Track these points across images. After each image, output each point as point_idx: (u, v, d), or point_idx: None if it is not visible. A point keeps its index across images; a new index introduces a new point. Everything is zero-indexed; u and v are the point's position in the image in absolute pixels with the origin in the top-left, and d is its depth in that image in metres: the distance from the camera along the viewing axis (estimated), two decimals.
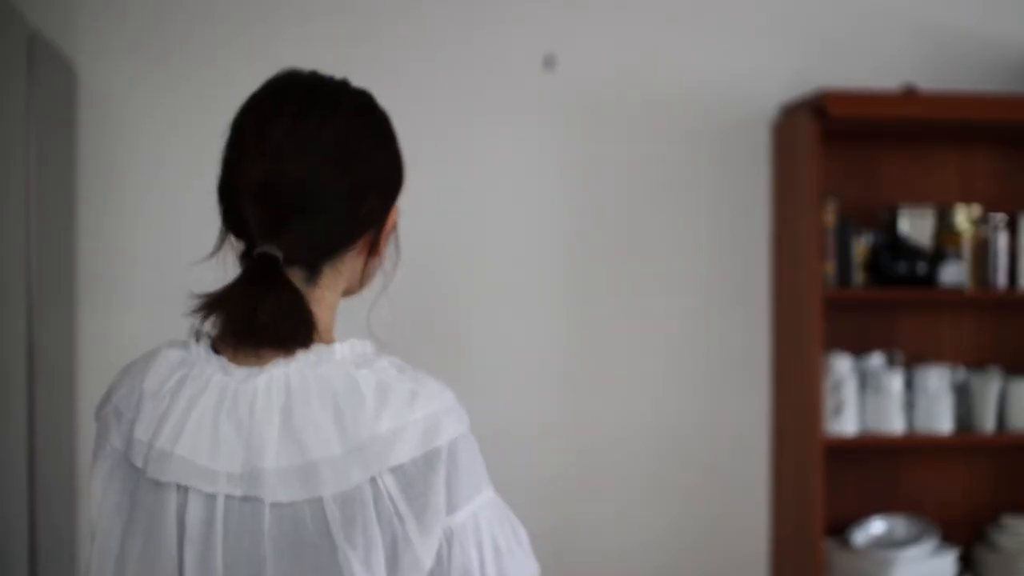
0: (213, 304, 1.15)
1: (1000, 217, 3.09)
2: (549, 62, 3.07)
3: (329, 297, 1.21)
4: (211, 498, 1.11)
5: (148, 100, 2.92)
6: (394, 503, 1.11)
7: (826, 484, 2.92)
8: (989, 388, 3.05)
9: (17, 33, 2.37)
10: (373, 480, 1.10)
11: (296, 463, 1.10)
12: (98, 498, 1.18)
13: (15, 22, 2.36)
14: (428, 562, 1.12)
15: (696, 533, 3.12)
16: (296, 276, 1.17)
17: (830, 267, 2.97)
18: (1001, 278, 3.06)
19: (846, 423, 2.99)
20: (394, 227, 1.27)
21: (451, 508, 1.13)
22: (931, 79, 3.12)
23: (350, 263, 1.22)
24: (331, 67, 3.26)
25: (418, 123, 2.97)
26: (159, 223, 2.93)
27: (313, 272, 1.19)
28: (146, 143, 2.92)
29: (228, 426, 1.12)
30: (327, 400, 1.12)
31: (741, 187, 3.15)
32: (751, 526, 3.15)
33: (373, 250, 1.23)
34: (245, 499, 1.10)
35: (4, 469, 2.25)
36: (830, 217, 2.97)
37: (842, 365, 3.01)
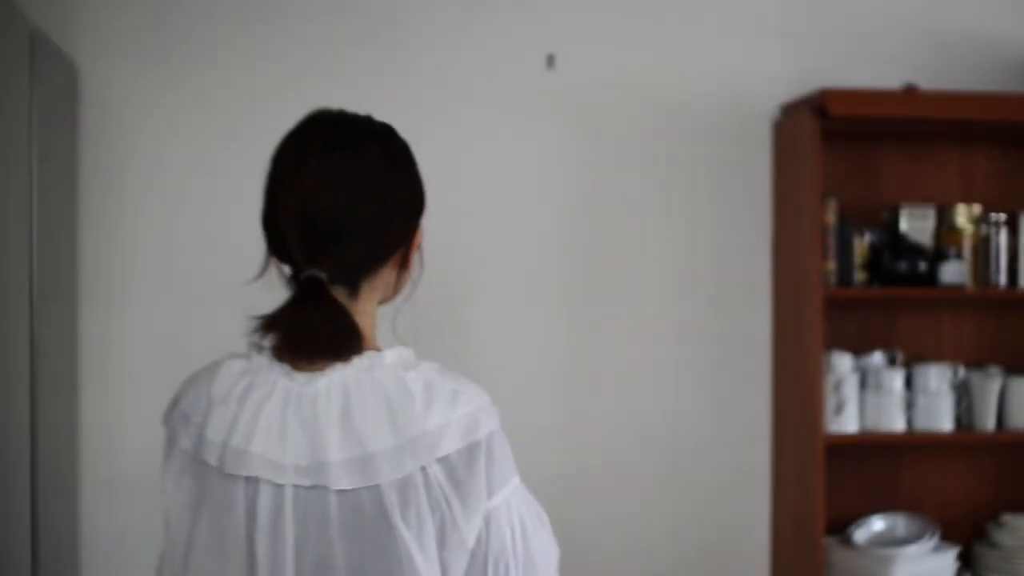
0: (269, 324, 1.29)
1: (1000, 216, 3.10)
2: (550, 62, 3.07)
3: (369, 308, 1.36)
4: (279, 488, 1.25)
5: (148, 99, 2.92)
6: (442, 489, 1.25)
7: (827, 482, 2.92)
8: (989, 387, 3.06)
9: (19, 31, 2.37)
10: (423, 469, 1.25)
11: (356, 455, 1.24)
12: (171, 494, 1.33)
13: (16, 20, 2.36)
14: (471, 541, 1.26)
15: (697, 531, 3.12)
16: (339, 293, 1.32)
17: (831, 266, 2.97)
18: (1001, 277, 3.07)
19: (847, 422, 2.99)
20: (419, 244, 1.43)
21: (490, 493, 1.28)
22: (931, 79, 3.12)
23: (384, 277, 1.37)
24: (331, 67, 3.24)
25: (418, 123, 2.97)
26: (159, 222, 2.93)
27: (354, 289, 1.34)
28: (146, 142, 2.92)
29: (295, 424, 1.26)
30: (381, 400, 1.26)
31: (742, 187, 3.15)
32: (752, 524, 3.15)
33: (403, 265, 1.40)
34: (311, 488, 1.25)
35: (6, 467, 2.25)
36: (831, 216, 2.98)
37: (843, 364, 3.02)
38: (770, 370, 3.16)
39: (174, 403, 1.37)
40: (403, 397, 1.26)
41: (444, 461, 1.25)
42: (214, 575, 1.27)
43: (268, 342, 1.31)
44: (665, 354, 3.13)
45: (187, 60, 2.94)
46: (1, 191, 2.25)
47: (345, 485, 1.24)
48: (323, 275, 1.28)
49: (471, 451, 1.27)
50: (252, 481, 1.26)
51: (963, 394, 3.09)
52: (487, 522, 1.27)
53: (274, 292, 2.91)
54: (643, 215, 3.13)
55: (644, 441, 3.11)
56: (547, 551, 1.34)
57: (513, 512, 1.30)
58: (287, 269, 1.34)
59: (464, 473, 1.26)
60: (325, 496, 1.24)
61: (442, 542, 1.25)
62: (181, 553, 1.30)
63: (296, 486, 1.25)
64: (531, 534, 1.31)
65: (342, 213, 1.29)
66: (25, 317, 2.40)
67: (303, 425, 1.26)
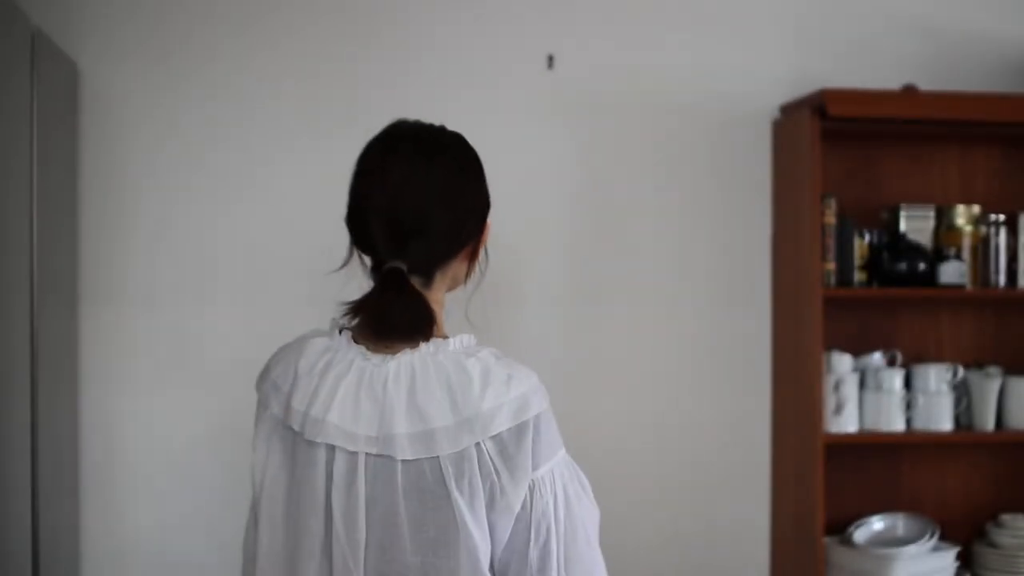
0: (357, 308, 1.48)
1: (1000, 217, 3.10)
2: (550, 62, 3.07)
3: (439, 296, 1.55)
4: (353, 455, 1.43)
5: (148, 99, 2.92)
6: (493, 462, 1.42)
7: (827, 482, 2.92)
8: (989, 387, 3.06)
9: (20, 31, 2.38)
10: (478, 444, 1.42)
11: (419, 430, 1.42)
12: (262, 455, 1.51)
13: (18, 20, 2.36)
14: (517, 507, 1.43)
15: (697, 531, 3.13)
16: (416, 282, 1.50)
17: (830, 266, 2.97)
18: (1001, 277, 3.07)
19: (846, 422, 3.00)
20: (486, 239, 1.60)
21: (535, 466, 1.44)
22: (931, 79, 3.13)
23: (454, 268, 1.56)
24: (331, 67, 3.22)
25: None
26: (159, 222, 2.93)
27: (428, 278, 1.52)
28: (147, 142, 2.92)
29: (367, 400, 1.44)
30: (443, 382, 1.44)
31: (742, 187, 3.15)
32: (752, 524, 3.15)
33: (472, 256, 1.59)
34: (379, 456, 1.42)
35: (6, 467, 2.26)
36: (830, 217, 2.98)
37: (843, 364, 3.02)
38: (770, 370, 3.16)
39: (265, 372, 1.55)
40: (463, 381, 1.43)
41: (496, 438, 1.42)
42: (301, 521, 1.45)
43: (349, 324, 1.50)
44: (665, 354, 3.13)
45: (187, 60, 2.94)
46: (1, 191, 2.25)
47: (409, 456, 1.41)
48: (404, 266, 1.47)
49: (520, 430, 1.43)
50: (329, 447, 1.44)
51: (962, 394, 3.09)
52: (531, 490, 1.44)
53: (270, 292, 2.90)
54: (643, 215, 3.13)
55: (643, 441, 3.11)
56: (587, 516, 1.49)
57: (556, 481, 1.46)
58: (368, 260, 1.52)
59: (513, 448, 1.42)
60: (391, 464, 1.42)
61: (491, 505, 1.42)
62: (280, 503, 1.48)
63: (367, 454, 1.42)
64: (572, 501, 1.47)
65: (422, 215, 1.48)
66: (26, 317, 2.40)
67: (374, 401, 1.43)
